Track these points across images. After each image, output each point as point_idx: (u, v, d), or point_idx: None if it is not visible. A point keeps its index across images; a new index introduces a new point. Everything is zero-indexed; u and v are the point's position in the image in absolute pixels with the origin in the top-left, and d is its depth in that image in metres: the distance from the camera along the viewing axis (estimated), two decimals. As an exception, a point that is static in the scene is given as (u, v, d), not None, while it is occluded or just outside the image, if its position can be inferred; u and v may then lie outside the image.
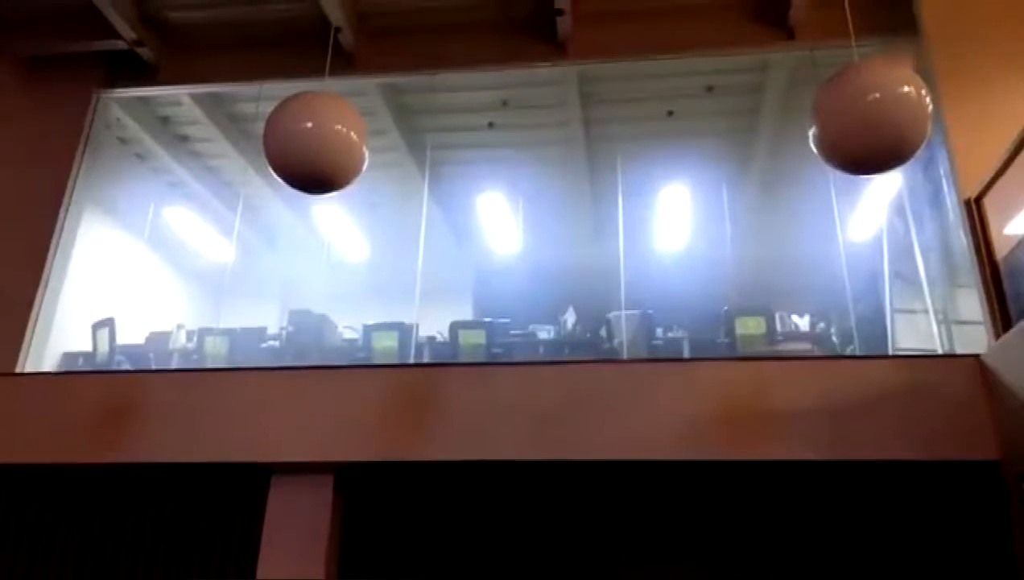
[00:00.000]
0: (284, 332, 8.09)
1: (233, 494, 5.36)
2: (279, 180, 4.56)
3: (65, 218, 6.60)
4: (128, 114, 7.85)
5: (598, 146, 8.63)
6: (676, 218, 9.09)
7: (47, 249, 6.43)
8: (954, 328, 6.20)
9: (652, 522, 5.01)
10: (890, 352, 6.79)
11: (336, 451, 5.09)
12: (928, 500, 4.81)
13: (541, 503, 5.15)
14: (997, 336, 4.84)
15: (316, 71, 5.85)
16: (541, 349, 7.91)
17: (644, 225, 9.08)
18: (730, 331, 6.98)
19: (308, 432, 5.15)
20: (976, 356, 4.83)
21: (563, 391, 5.07)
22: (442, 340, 7.50)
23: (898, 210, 7.05)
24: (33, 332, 6.25)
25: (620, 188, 8.23)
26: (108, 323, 7.53)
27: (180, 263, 9.83)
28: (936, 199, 6.16)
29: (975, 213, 5.16)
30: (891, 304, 6.99)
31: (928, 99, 3.90)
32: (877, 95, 3.86)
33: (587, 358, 7.40)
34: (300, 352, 7.71)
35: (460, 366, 6.20)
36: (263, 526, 5.11)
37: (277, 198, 9.62)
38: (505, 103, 8.09)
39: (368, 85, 7.53)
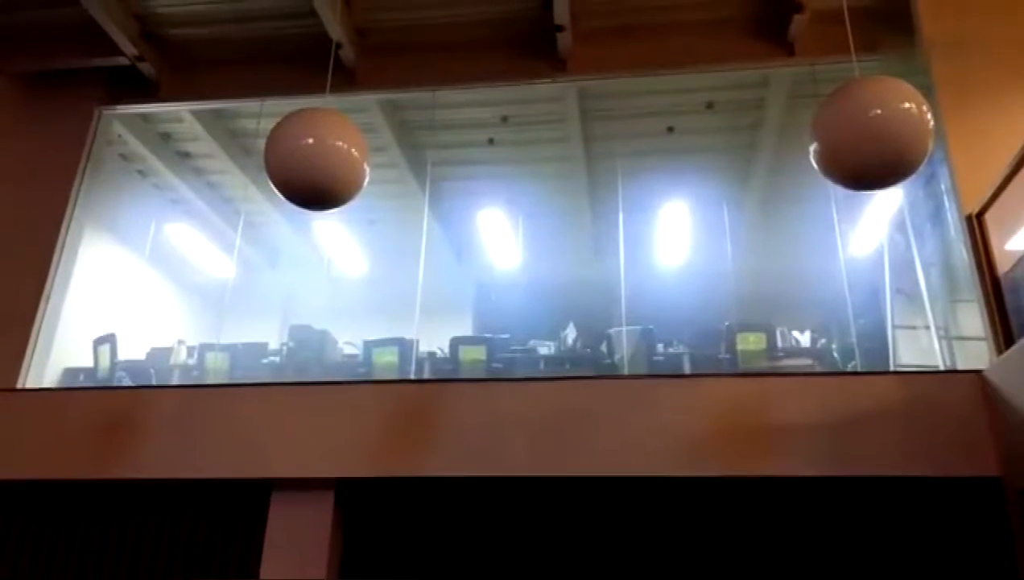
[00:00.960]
0: (285, 348, 8.09)
1: (234, 510, 5.35)
2: (280, 196, 4.57)
3: (66, 234, 6.61)
4: (129, 130, 7.89)
5: (598, 162, 8.64)
6: (677, 234, 9.10)
7: (48, 265, 6.44)
8: (955, 344, 6.20)
9: (653, 539, 4.99)
10: (891, 368, 6.78)
11: (336, 467, 5.08)
12: (930, 516, 4.79)
13: (541, 519, 5.13)
14: (999, 352, 4.84)
15: (317, 87, 5.84)
16: (542, 365, 7.89)
17: (645, 241, 9.09)
18: (731, 347, 6.98)
19: (308, 448, 5.14)
20: (978, 372, 4.83)
21: (563, 407, 5.06)
22: (442, 356, 7.50)
23: (899, 226, 7.06)
24: (34, 348, 6.25)
25: (620, 204, 8.23)
26: (109, 339, 7.53)
27: (181, 279, 9.84)
28: (937, 215, 6.16)
29: (976, 229, 5.16)
30: (892, 320, 6.98)
31: (929, 115, 3.90)
32: (878, 111, 3.86)
33: (588, 374, 7.39)
34: (301, 368, 7.71)
35: (460, 382, 6.20)
36: (264, 541, 5.09)
37: (278, 214, 9.65)
38: (505, 119, 8.11)
39: (369, 101, 7.56)
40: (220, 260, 9.49)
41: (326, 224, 9.40)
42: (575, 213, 9.64)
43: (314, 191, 4.46)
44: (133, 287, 8.97)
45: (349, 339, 8.22)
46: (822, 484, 4.81)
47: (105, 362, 7.48)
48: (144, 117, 7.97)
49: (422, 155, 8.52)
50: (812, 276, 7.41)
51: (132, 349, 7.92)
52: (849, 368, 6.91)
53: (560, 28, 6.44)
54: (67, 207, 6.63)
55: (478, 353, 7.24)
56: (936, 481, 4.67)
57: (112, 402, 5.55)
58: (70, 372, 7.36)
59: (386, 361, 7.13)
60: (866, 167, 3.95)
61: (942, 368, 6.13)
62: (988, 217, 5.09)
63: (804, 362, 7.26)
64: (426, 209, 8.18)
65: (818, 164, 4.13)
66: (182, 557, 5.30)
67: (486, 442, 5.01)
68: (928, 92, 5.50)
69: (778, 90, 7.37)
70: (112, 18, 6.45)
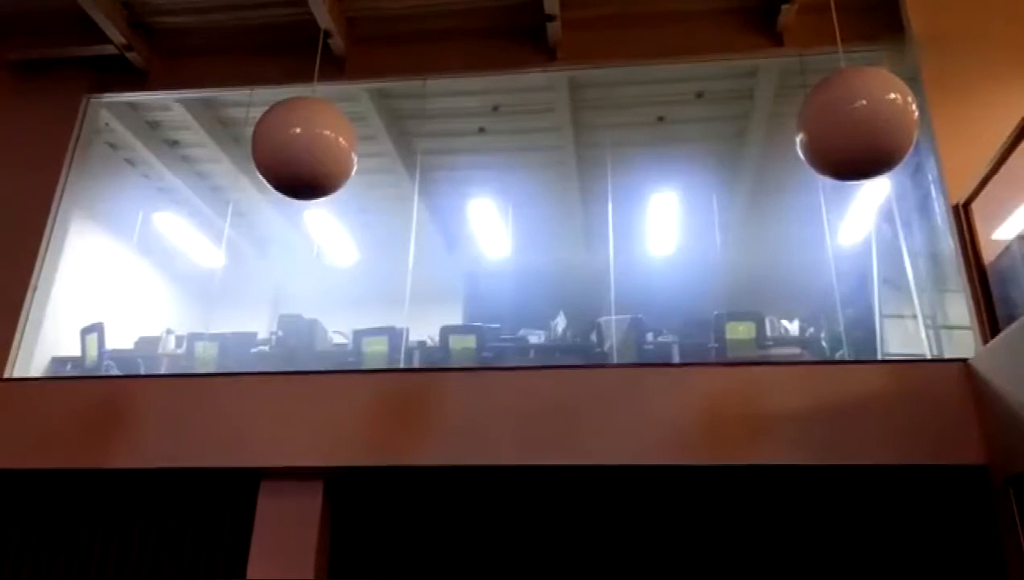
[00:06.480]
0: (274, 337, 8.08)
1: (222, 499, 5.35)
2: (269, 186, 4.56)
3: (54, 223, 6.58)
4: (117, 119, 7.85)
5: (588, 151, 8.64)
6: (666, 223, 9.11)
7: (36, 254, 6.41)
8: (942, 333, 6.23)
9: (643, 527, 5.01)
10: (879, 357, 6.81)
11: (326, 456, 5.09)
12: (916, 504, 4.82)
13: (531, 508, 5.15)
14: (985, 341, 4.86)
15: (306, 76, 5.85)
16: (532, 354, 7.91)
17: (634, 230, 9.10)
18: (720, 336, 7.00)
19: (297, 437, 5.14)
20: (964, 361, 4.86)
21: (553, 396, 5.07)
22: (432, 345, 7.50)
23: (887, 215, 7.08)
24: (21, 337, 6.23)
25: (610, 193, 8.24)
26: (97, 328, 7.51)
27: (170, 268, 9.82)
28: (924, 204, 6.18)
29: (963, 218, 5.18)
30: (880, 309, 7.01)
31: (914, 105, 3.91)
32: (863, 101, 3.88)
33: (577, 363, 7.41)
34: (290, 357, 7.70)
35: (450, 371, 6.20)
36: (253, 531, 5.10)
37: (267, 203, 9.63)
38: (496, 108, 8.10)
39: (358, 90, 7.53)
40: (209, 249, 9.46)
41: (316, 213, 9.38)
42: (565, 202, 9.64)
43: (302, 180, 4.47)
44: (121, 276, 8.95)
45: (339, 328, 8.22)
46: (810, 472, 4.84)
47: (93, 351, 7.46)
48: (132, 105, 7.92)
49: (412, 144, 8.51)
50: (801, 265, 7.44)
51: (120, 338, 7.91)
52: (837, 357, 6.94)
53: (551, 17, 6.42)
54: (54, 196, 6.60)
55: (468, 342, 7.25)
56: (923, 469, 4.70)
57: (100, 391, 5.54)
58: (57, 361, 7.35)
59: (376, 350, 7.14)
60: (851, 157, 3.98)
61: (929, 357, 6.16)
62: (974, 207, 5.11)
63: (792, 351, 7.29)
64: (415, 198, 8.18)
65: (804, 154, 4.14)
66: (170, 549, 5.29)
67: (476, 431, 5.01)
68: (915, 82, 5.53)
69: (767, 80, 7.38)
70: (100, 7, 6.42)
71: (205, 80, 7.23)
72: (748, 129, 8.20)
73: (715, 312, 7.19)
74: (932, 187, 5.80)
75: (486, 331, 7.49)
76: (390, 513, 5.26)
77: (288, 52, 6.78)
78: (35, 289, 6.37)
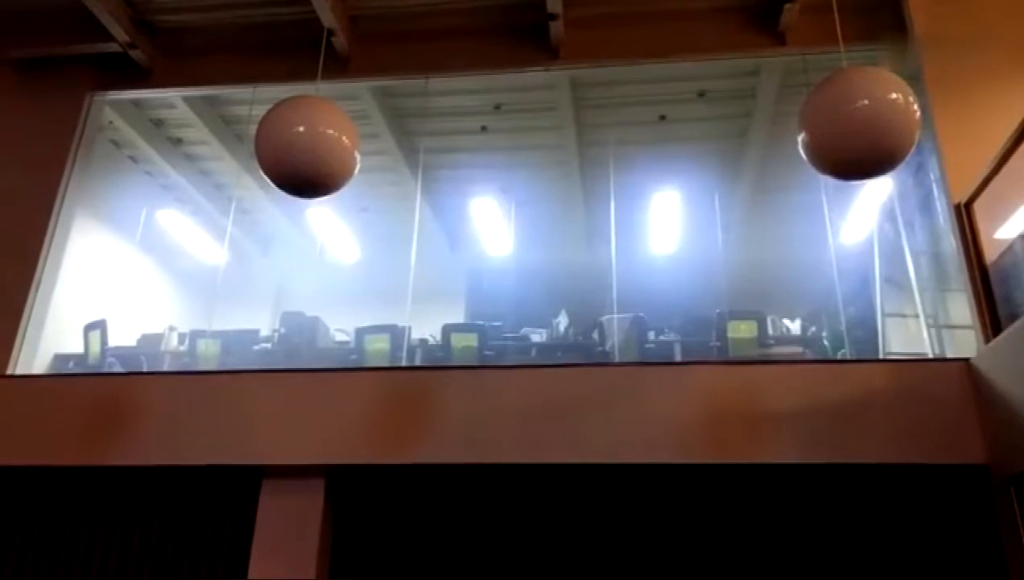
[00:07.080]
0: (276, 334, 8.09)
1: (224, 497, 5.36)
2: (271, 184, 4.57)
3: (57, 220, 6.59)
4: (121, 117, 7.86)
5: (590, 150, 8.65)
6: (668, 222, 9.11)
7: (39, 251, 6.42)
8: (944, 332, 6.23)
9: (643, 525, 5.02)
10: (881, 356, 6.80)
11: (327, 454, 5.09)
12: (918, 503, 4.82)
13: (533, 507, 5.15)
14: (987, 340, 4.86)
15: (309, 74, 5.86)
16: (533, 352, 7.91)
17: (636, 229, 9.10)
18: (722, 335, 7.00)
19: (299, 435, 5.15)
20: (966, 360, 4.86)
21: (555, 394, 5.08)
22: (434, 343, 7.50)
23: (889, 215, 7.07)
24: (24, 334, 6.24)
25: (612, 192, 8.24)
26: (100, 325, 7.52)
27: (173, 266, 9.82)
28: (926, 204, 6.18)
29: (965, 217, 5.18)
30: (882, 308, 7.01)
31: (916, 105, 3.91)
32: (865, 101, 3.88)
33: (579, 361, 7.41)
34: (292, 354, 7.71)
35: (452, 369, 6.20)
36: (254, 529, 5.11)
37: (270, 201, 9.64)
38: (498, 107, 8.11)
39: (361, 88, 7.54)
40: (212, 247, 9.47)
41: (318, 211, 9.39)
42: (567, 201, 9.65)
43: (305, 179, 4.47)
44: (124, 273, 8.95)
45: (341, 326, 8.22)
46: (811, 471, 4.84)
47: (95, 348, 7.47)
48: (136, 103, 7.94)
49: (414, 142, 8.52)
50: (803, 264, 7.43)
51: (123, 335, 7.91)
52: (839, 356, 6.93)
53: (553, 16, 6.42)
54: (57, 193, 6.61)
55: (470, 340, 7.25)
56: (924, 468, 4.71)
57: (102, 388, 5.55)
58: (60, 358, 7.35)
59: (378, 348, 7.14)
60: (853, 157, 3.98)
61: (931, 356, 6.16)
62: (977, 206, 5.11)
63: (794, 350, 7.29)
64: (418, 196, 8.18)
65: (806, 154, 4.14)
66: (172, 544, 5.31)
67: (477, 429, 5.02)
68: (917, 82, 5.53)
69: (769, 79, 7.38)
70: (104, 5, 6.42)
71: (208, 78, 7.24)
72: (750, 128, 8.20)
73: (717, 311, 7.20)
74: (934, 186, 5.80)
75: (488, 329, 7.48)
76: (392, 511, 5.26)
77: (291, 50, 6.79)
78: (38, 286, 6.38)
